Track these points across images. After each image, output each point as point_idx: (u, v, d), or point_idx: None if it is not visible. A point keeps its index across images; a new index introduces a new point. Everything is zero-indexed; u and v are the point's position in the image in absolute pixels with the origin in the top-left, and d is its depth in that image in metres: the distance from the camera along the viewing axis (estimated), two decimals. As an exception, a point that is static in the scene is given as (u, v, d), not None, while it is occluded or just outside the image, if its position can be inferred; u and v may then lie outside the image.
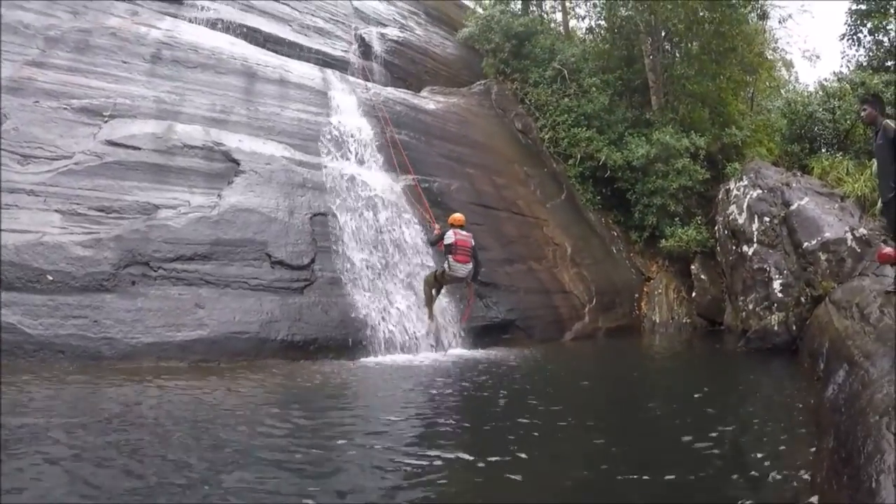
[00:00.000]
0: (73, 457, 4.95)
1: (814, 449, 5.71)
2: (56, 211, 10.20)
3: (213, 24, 17.04)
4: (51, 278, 9.26)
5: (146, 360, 9.11)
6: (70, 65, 12.64)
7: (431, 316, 12.47)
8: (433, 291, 12.42)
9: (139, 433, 5.65)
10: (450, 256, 11.96)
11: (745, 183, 16.66)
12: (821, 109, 18.83)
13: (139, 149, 11.72)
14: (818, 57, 38.06)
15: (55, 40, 12.95)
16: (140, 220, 10.64)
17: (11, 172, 10.28)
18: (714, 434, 6.61)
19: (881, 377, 5.31)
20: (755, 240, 15.18)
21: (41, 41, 12.77)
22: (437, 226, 13.08)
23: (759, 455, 5.87)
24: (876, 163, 8.73)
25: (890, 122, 8.11)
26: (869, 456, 3.89)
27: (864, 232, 13.59)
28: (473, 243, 12.24)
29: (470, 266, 12.14)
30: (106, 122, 11.99)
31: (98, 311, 9.30)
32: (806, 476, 5.16)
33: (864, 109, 8.54)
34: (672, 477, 5.40)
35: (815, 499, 4.55)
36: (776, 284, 14.27)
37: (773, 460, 5.71)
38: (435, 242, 12.54)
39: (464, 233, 12.18)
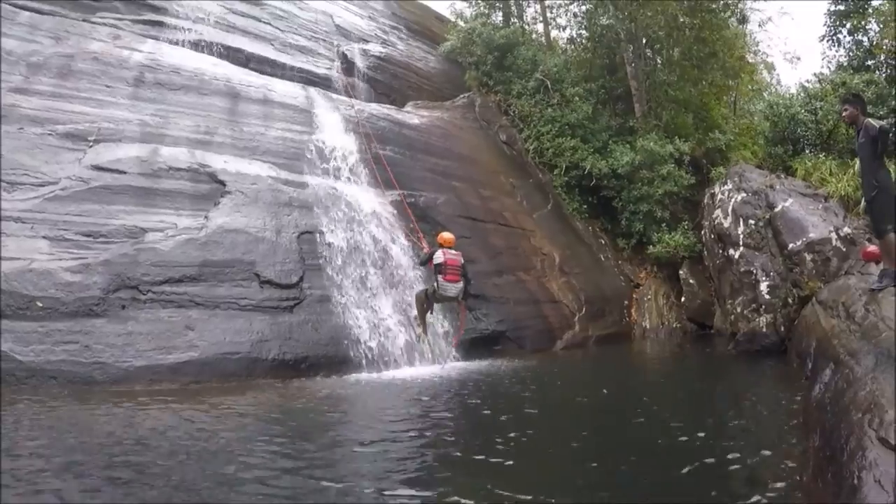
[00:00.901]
0: (69, 483, 4.93)
1: (801, 448, 5.77)
2: (44, 237, 10.21)
3: (195, 45, 17.05)
4: (40, 305, 9.27)
5: (138, 384, 9.09)
6: (53, 90, 12.66)
7: (424, 332, 12.47)
8: (424, 308, 12.42)
9: (135, 458, 5.64)
10: (439, 276, 11.94)
11: (730, 187, 16.77)
12: (803, 111, 18.90)
13: (125, 172, 11.74)
14: (799, 59, 38.60)
15: (38, 66, 12.98)
16: (128, 244, 10.66)
17: (-2, 200, 10.29)
18: (703, 435, 6.67)
19: (865, 375, 5.37)
20: (741, 243, 15.28)
21: (24, 67, 12.79)
22: (425, 244, 13.09)
23: (747, 455, 5.91)
24: (858, 162, 8.82)
25: (871, 121, 8.21)
26: (851, 453, 3.95)
27: (849, 231, 13.73)
28: (463, 262, 12.25)
29: (460, 285, 12.12)
30: (91, 146, 12.00)
31: (89, 336, 9.30)
32: (793, 475, 5.21)
33: (846, 109, 8.63)
34: (661, 476, 5.47)
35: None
36: (763, 286, 14.37)
37: (760, 460, 5.76)
38: (425, 262, 12.53)
39: (453, 252, 12.16)
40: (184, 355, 9.76)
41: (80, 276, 9.85)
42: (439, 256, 11.97)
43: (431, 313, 12.69)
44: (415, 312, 12.53)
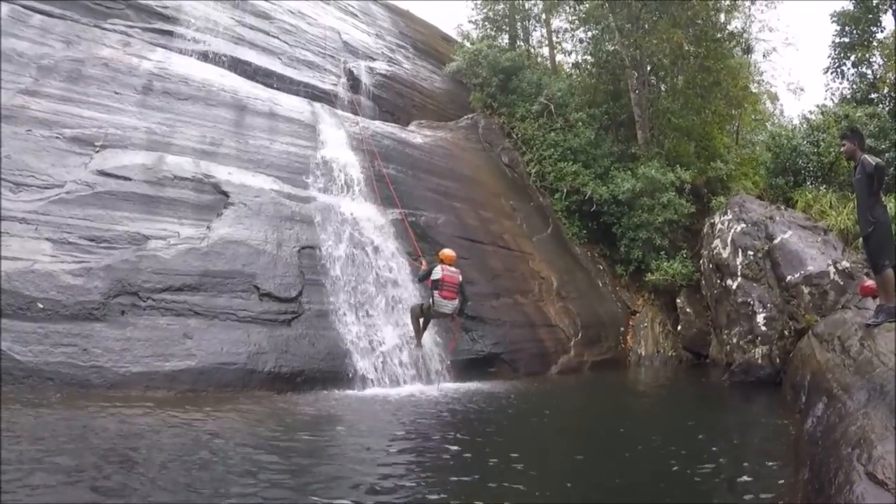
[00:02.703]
0: (64, 484, 4.97)
1: (790, 481, 5.79)
2: (47, 239, 10.23)
3: (203, 56, 17.15)
4: (41, 306, 9.28)
5: (134, 389, 9.08)
6: (62, 94, 12.70)
7: (419, 344, 12.52)
8: (420, 322, 12.48)
9: (128, 462, 5.67)
10: (435, 292, 12.03)
11: (730, 217, 16.84)
12: (805, 142, 18.97)
13: (130, 179, 11.78)
14: (803, 90, 38.74)
15: (48, 69, 13.04)
16: (130, 251, 10.68)
17: (3, 200, 10.28)
18: (695, 467, 6.68)
19: (857, 410, 5.42)
20: (739, 273, 15.33)
21: (34, 70, 12.84)
22: (423, 261, 13.16)
23: (737, 487, 5.95)
24: (856, 197, 8.91)
25: (868, 158, 8.29)
26: (839, 487, 3.99)
27: (847, 265, 13.76)
28: (461, 279, 12.33)
29: (456, 303, 12.20)
30: (97, 151, 12.05)
31: (87, 340, 9.30)
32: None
33: (844, 144, 8.73)
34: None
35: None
36: (760, 318, 14.40)
37: (750, 493, 5.78)
38: (423, 279, 12.63)
39: (451, 269, 12.25)
40: (181, 363, 9.76)
41: (81, 279, 9.86)
42: (438, 272, 12.06)
43: (429, 325, 12.74)
44: (410, 327, 12.59)
